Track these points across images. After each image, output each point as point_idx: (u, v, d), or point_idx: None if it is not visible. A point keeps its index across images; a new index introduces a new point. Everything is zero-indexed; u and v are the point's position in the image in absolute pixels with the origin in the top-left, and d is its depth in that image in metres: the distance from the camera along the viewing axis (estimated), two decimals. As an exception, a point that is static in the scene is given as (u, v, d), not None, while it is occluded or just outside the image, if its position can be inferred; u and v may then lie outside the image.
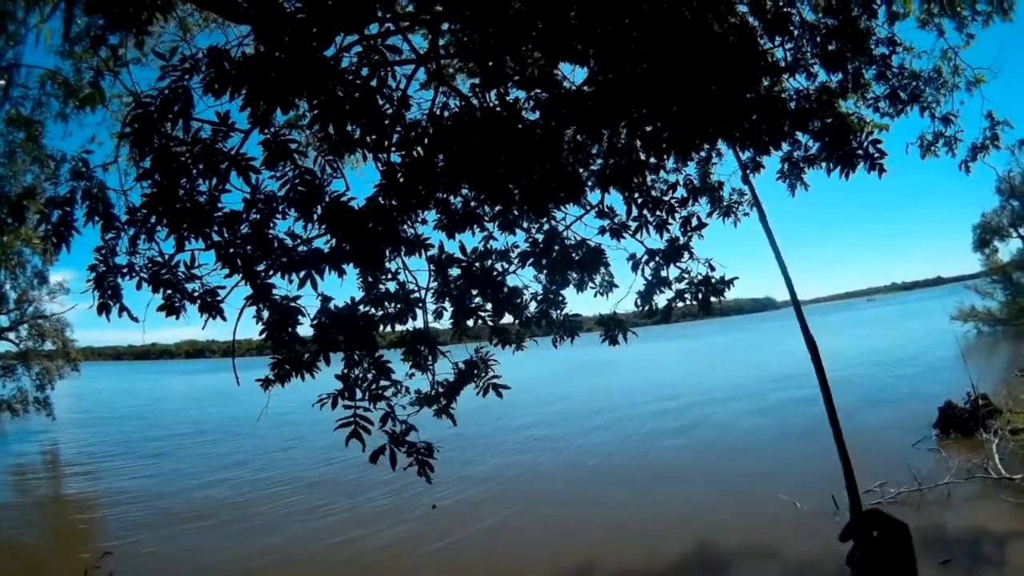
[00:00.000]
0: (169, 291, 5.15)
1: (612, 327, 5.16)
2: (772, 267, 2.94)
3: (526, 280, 5.02)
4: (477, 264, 4.59)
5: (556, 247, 4.79)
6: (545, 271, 4.89)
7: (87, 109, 7.42)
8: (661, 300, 5.22)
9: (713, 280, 5.21)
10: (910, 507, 9.82)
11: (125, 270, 5.35)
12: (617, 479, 14.12)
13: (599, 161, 4.97)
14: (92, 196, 5.65)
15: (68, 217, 5.58)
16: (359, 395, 4.23)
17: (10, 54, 7.96)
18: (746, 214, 6.27)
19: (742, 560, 8.96)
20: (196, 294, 5.09)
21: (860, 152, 5.96)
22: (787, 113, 5.65)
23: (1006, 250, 31.65)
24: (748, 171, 5.68)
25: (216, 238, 4.83)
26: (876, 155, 5.87)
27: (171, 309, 5.11)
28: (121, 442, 23.22)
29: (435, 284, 4.79)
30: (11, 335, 25.51)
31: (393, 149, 4.30)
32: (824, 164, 6.03)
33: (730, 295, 5.50)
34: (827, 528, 9.44)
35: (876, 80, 7.34)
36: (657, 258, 5.10)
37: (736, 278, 5.24)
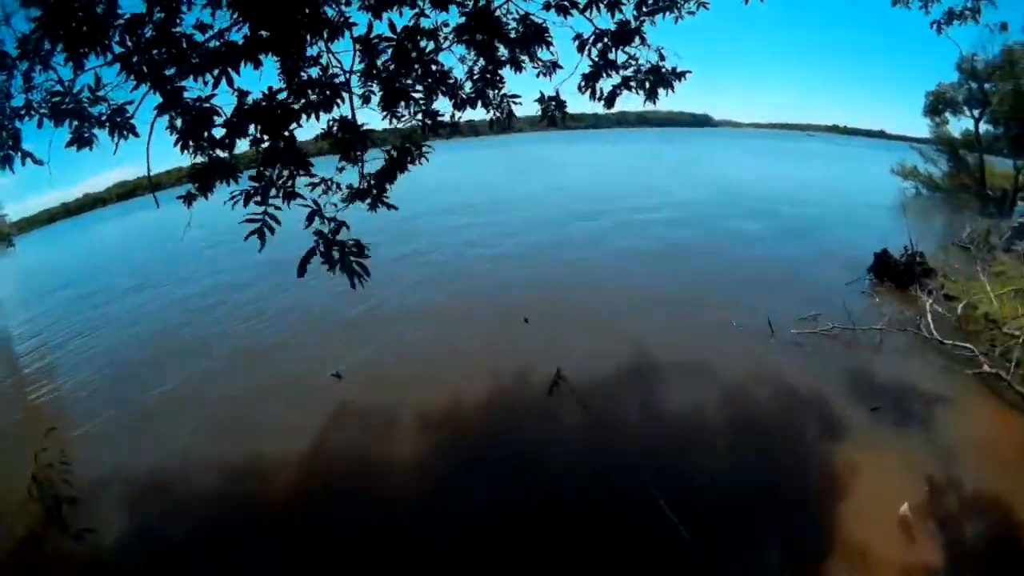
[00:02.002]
0: (76, 122, 4.78)
1: (552, 107, 4.96)
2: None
3: (459, 61, 4.73)
4: (408, 43, 4.28)
5: (493, 20, 4.46)
6: (479, 47, 4.60)
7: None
8: (606, 86, 5.04)
9: (663, 70, 5.01)
10: (842, 344, 10.22)
11: (23, 110, 4.94)
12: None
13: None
14: (-26, 39, 5.09)
15: None
16: (273, 193, 4.03)
17: None
18: (691, 12, 5.97)
19: (680, 375, 9.27)
20: (103, 117, 4.75)
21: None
22: None
23: (957, 125, 32.04)
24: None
25: (118, 49, 4.43)
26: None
27: (81, 140, 4.80)
28: (58, 311, 22.37)
29: (361, 67, 4.49)
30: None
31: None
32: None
33: (665, 105, 5.31)
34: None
35: None
36: (606, 39, 4.84)
37: (689, 72, 5.04)
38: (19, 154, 5.09)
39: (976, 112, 30.15)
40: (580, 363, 9.50)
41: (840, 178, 41.11)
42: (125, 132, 4.78)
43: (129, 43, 4.48)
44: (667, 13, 5.58)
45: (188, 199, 4.62)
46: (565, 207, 26.19)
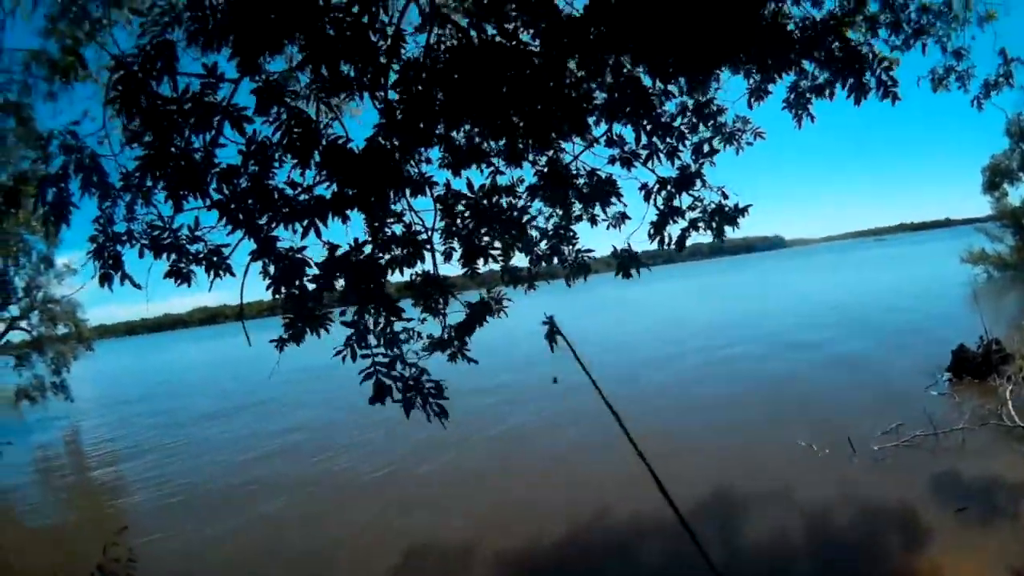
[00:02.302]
0: (173, 255, 5.09)
1: (626, 260, 5.05)
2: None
3: (535, 216, 4.90)
4: (485, 200, 4.48)
5: (564, 177, 4.66)
6: (553, 203, 4.78)
7: (75, 85, 7.27)
8: (675, 230, 5.13)
9: (727, 208, 5.10)
10: (925, 451, 9.83)
11: (124, 238, 5.29)
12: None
13: (603, 95, 4.81)
14: (85, 167, 5.55)
15: (63, 193, 5.49)
16: (373, 341, 4.17)
17: None
18: (749, 143, 6.10)
19: (759, 503, 8.95)
20: (201, 255, 5.05)
21: (872, 80, 5.80)
22: (793, 39, 5.47)
23: (1016, 194, 31.19)
24: (753, 98, 5.51)
25: (215, 195, 4.77)
26: (888, 82, 5.72)
27: (178, 274, 5.06)
28: (136, 422, 23.51)
29: (442, 224, 4.69)
30: (23, 323, 25.71)
31: (391, 87, 4.17)
32: (832, 91, 5.87)
33: (738, 233, 5.40)
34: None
35: (880, 11, 7.17)
36: (669, 186, 4.98)
37: (751, 205, 5.13)
38: (119, 275, 5.41)
39: None
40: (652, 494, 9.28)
41: (910, 278, 40.55)
42: (221, 272, 5.05)
43: (226, 190, 4.80)
44: (726, 146, 5.75)
45: (280, 344, 4.80)
46: (634, 348, 26.12)
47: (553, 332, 5.35)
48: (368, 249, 4.34)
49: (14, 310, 25.02)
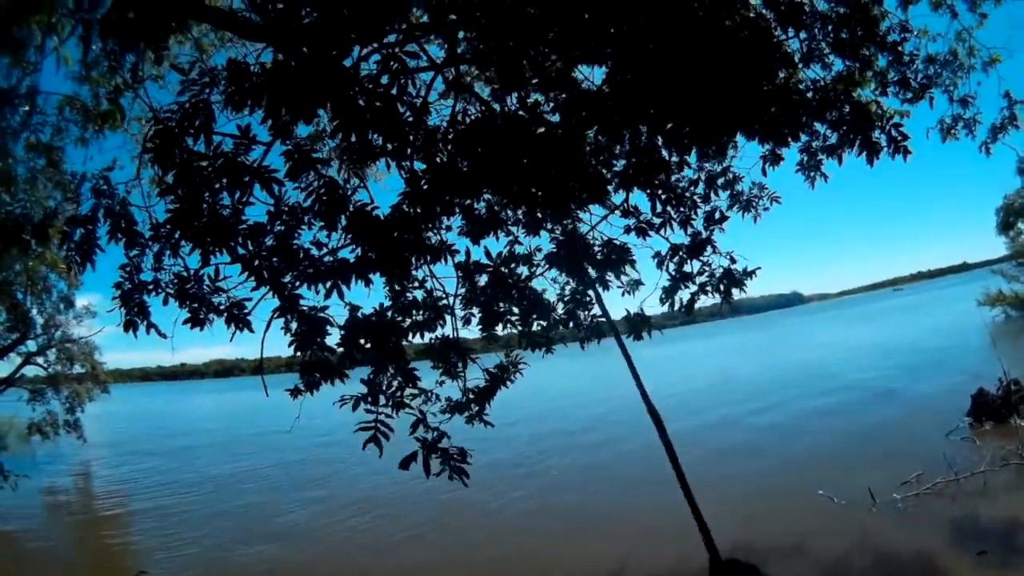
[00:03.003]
0: (195, 305, 5.22)
1: (638, 323, 5.14)
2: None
3: (553, 283, 5.03)
4: (504, 268, 4.60)
5: (580, 246, 4.79)
6: (569, 270, 4.90)
7: (106, 133, 7.53)
8: (685, 295, 5.21)
9: (735, 272, 5.20)
10: (946, 498, 9.70)
11: (151, 286, 5.42)
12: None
13: (622, 161, 4.96)
14: (114, 214, 5.71)
15: (91, 235, 5.64)
16: (383, 401, 4.24)
17: (28, 81, 8.10)
18: (766, 208, 6.22)
19: (781, 558, 8.82)
20: (223, 307, 5.16)
21: (883, 137, 5.92)
22: (804, 103, 5.62)
23: (1031, 233, 31.04)
24: (767, 164, 5.64)
25: (241, 251, 4.91)
26: (899, 138, 5.85)
27: (197, 321, 5.16)
28: (151, 464, 23.54)
29: (463, 290, 4.81)
30: (40, 359, 25.93)
31: (416, 156, 4.34)
32: (844, 153, 6.01)
33: (754, 292, 5.50)
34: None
35: (889, 66, 7.33)
36: (681, 252, 5.09)
37: (759, 268, 5.24)
38: (144, 323, 5.52)
39: None
40: (670, 550, 9.31)
41: (925, 327, 40.12)
42: (242, 325, 5.16)
43: (251, 247, 4.94)
44: (745, 215, 5.88)
45: (295, 393, 4.89)
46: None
47: None
48: (389, 313, 4.44)
49: (32, 345, 25.31)
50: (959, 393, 14.76)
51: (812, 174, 6.30)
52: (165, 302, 5.41)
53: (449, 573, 9.96)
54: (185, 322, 5.24)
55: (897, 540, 8.57)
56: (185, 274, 5.36)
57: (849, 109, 6.09)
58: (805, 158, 6.28)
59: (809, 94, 6.14)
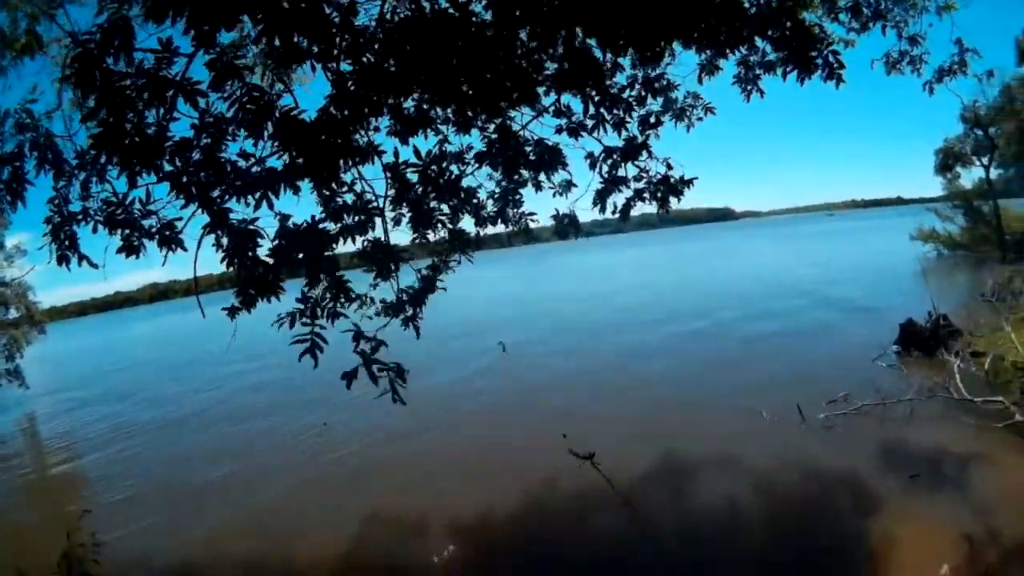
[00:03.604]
0: (127, 231, 5.05)
1: (565, 225, 5.17)
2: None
3: (483, 182, 4.99)
4: (433, 167, 4.53)
5: (512, 146, 4.73)
6: (501, 169, 4.86)
7: (25, 59, 7.04)
8: (619, 199, 5.25)
9: (672, 179, 5.24)
10: (874, 420, 10.14)
11: (80, 216, 5.26)
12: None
13: (553, 65, 4.86)
14: (40, 146, 5.47)
15: (19, 172, 5.41)
16: (319, 315, 4.23)
17: None
18: (700, 119, 6.23)
19: (710, 470, 9.21)
20: (154, 230, 5.01)
21: (819, 60, 5.95)
22: (745, 16, 5.57)
23: (968, 177, 32.31)
24: (704, 73, 5.62)
25: (168, 168, 4.72)
26: (835, 64, 5.89)
27: (130, 248, 5.03)
28: (91, 402, 23.05)
29: (392, 192, 4.73)
30: (-27, 308, 24.78)
31: (343, 58, 4.16)
32: (781, 70, 6.02)
33: (688, 204, 5.55)
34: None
35: (840, -9, 7.30)
36: (615, 155, 5.08)
37: (696, 178, 5.28)
38: (76, 255, 5.34)
39: (985, 159, 30.39)
40: (612, 460, 9.56)
41: (859, 253, 41.49)
42: (174, 246, 5.02)
43: (178, 164, 4.75)
44: (677, 123, 5.86)
45: (232, 312, 4.80)
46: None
47: None
48: (321, 225, 4.35)
49: (-36, 294, 24.10)
50: (888, 322, 15.23)
51: (748, 88, 6.30)
52: (95, 230, 5.24)
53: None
54: (119, 251, 5.09)
55: (826, 458, 8.97)
56: (114, 199, 5.17)
57: (791, 27, 6.07)
58: (742, 71, 6.27)
59: (753, 9, 6.09)
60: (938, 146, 32.08)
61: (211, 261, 4.95)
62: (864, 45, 7.82)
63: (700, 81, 5.82)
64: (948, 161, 32.14)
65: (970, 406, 9.82)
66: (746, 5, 6.08)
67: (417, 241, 4.79)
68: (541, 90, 4.68)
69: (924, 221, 33.37)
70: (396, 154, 4.45)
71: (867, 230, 69.18)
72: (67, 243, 5.24)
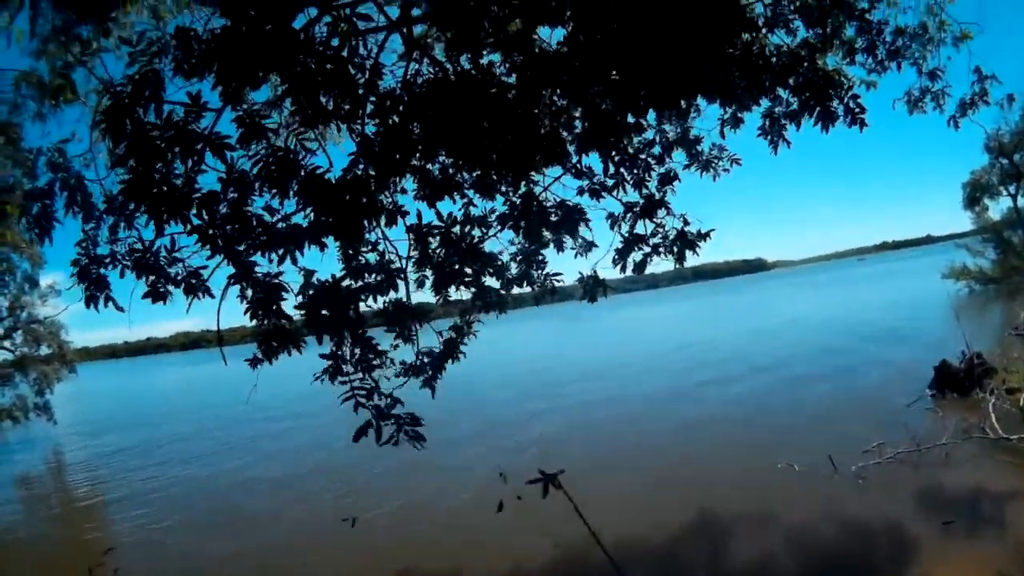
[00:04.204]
0: (152, 276, 5.16)
1: (592, 286, 5.15)
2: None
3: (506, 246, 5.01)
4: (456, 230, 4.57)
5: (535, 208, 4.76)
6: (524, 232, 4.88)
7: (63, 106, 7.34)
8: (638, 256, 5.22)
9: (688, 234, 5.22)
10: (908, 467, 9.85)
11: (108, 260, 5.38)
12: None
13: (578, 123, 4.91)
14: (70, 187, 5.62)
15: (48, 208, 5.57)
16: (350, 369, 4.24)
17: None
18: (726, 170, 6.21)
19: (742, 527, 8.92)
20: (179, 277, 5.12)
21: (840, 108, 5.94)
22: (767, 68, 5.60)
23: (996, 208, 31.75)
24: (727, 127, 5.63)
25: (195, 220, 4.83)
26: (856, 109, 5.86)
27: (156, 294, 5.13)
28: (121, 444, 23.34)
29: (415, 253, 4.77)
30: (6, 343, 25.47)
31: (368, 119, 4.25)
32: (803, 119, 6.00)
33: (719, 256, 5.58)
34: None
35: (857, 35, 7.32)
36: (635, 210, 5.08)
37: (712, 230, 5.25)
38: (103, 297, 5.45)
39: (1012, 188, 29.77)
40: (640, 522, 9.30)
41: (890, 297, 40.74)
42: (200, 293, 5.10)
43: (205, 216, 4.86)
44: (703, 173, 5.86)
45: (254, 362, 4.85)
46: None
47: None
48: (345, 282, 4.40)
49: (-2, 329, 24.82)
50: (922, 364, 14.93)
51: (775, 139, 6.29)
52: (122, 275, 5.36)
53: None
54: (145, 296, 5.20)
55: (859, 509, 8.66)
56: (140, 245, 5.30)
57: (812, 75, 6.08)
58: (767, 123, 6.27)
59: (773, 59, 6.11)
60: (964, 180, 31.61)
61: (239, 314, 5.04)
62: (886, 85, 7.79)
63: (722, 135, 5.84)
64: (976, 194, 31.66)
65: (1007, 444, 9.60)
66: (767, 54, 6.14)
67: (440, 301, 4.82)
68: (569, 150, 4.73)
69: (954, 258, 32.73)
70: (419, 216, 4.52)
71: (898, 273, 68.68)
72: (95, 285, 5.36)
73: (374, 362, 4.42)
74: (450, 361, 5.06)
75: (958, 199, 32.12)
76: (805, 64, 6.25)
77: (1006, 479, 8.68)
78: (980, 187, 31.25)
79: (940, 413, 12.28)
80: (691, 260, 5.29)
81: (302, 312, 4.23)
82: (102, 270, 5.44)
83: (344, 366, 4.26)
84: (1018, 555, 6.68)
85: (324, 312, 4.12)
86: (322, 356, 4.28)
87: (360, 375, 4.38)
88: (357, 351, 4.33)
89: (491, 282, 5.15)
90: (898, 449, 10.31)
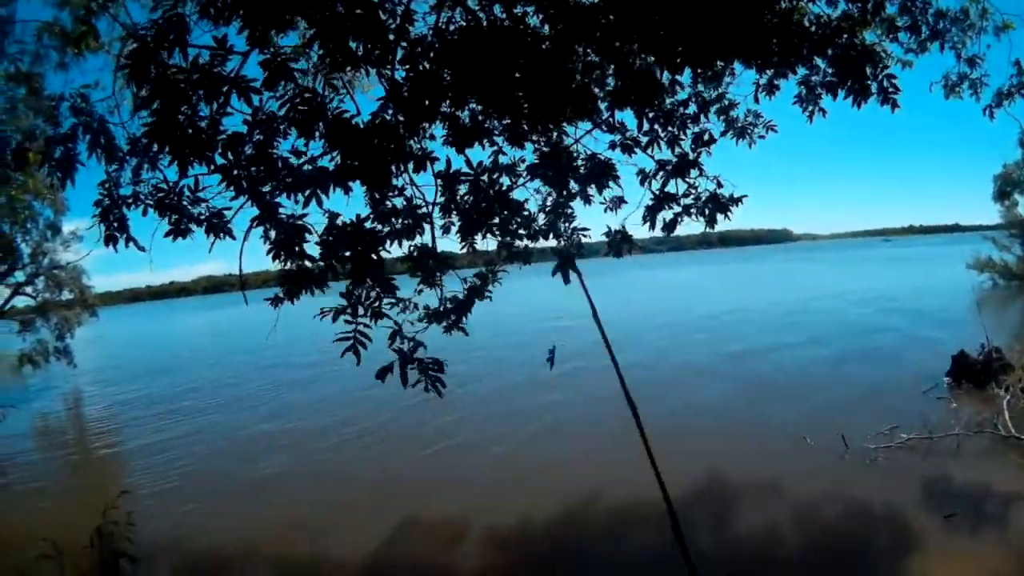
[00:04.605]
0: (175, 216, 5.17)
1: (619, 242, 5.12)
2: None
3: (533, 194, 4.96)
4: (484, 178, 4.54)
5: (564, 159, 4.70)
6: (552, 183, 4.84)
7: (87, 55, 7.33)
8: (668, 215, 5.17)
9: (721, 197, 5.15)
10: (918, 453, 9.87)
11: (130, 200, 5.39)
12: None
13: (611, 79, 4.82)
14: (93, 130, 5.62)
15: (71, 152, 5.58)
16: (361, 312, 4.26)
17: (3, 11, 7.86)
18: (762, 136, 6.09)
19: (749, 495, 9.06)
20: (202, 217, 5.12)
21: (874, 85, 5.79)
22: (805, 35, 5.45)
23: (1025, 204, 31.04)
24: (764, 93, 5.51)
25: (220, 161, 4.82)
26: (890, 89, 5.72)
27: (178, 231, 5.13)
28: (139, 388, 23.88)
29: (442, 199, 4.76)
30: (28, 289, 25.93)
31: (398, 65, 4.21)
32: (839, 92, 5.86)
33: (747, 224, 5.50)
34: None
35: (899, 13, 7.12)
36: (667, 168, 5.02)
37: (745, 196, 5.18)
38: (124, 237, 5.49)
39: None
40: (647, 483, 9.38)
41: (915, 281, 40.18)
42: (222, 234, 5.12)
43: (230, 157, 4.85)
44: (739, 141, 5.75)
45: (275, 302, 4.89)
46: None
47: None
48: (368, 223, 4.39)
49: (20, 276, 25.24)
50: (940, 352, 14.86)
51: (810, 108, 6.14)
52: (144, 213, 5.37)
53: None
54: (167, 234, 5.21)
55: (867, 491, 8.71)
56: (164, 186, 5.31)
57: (851, 48, 5.91)
58: (804, 91, 6.12)
59: (812, 28, 5.94)
60: (996, 172, 30.86)
61: (263, 258, 5.06)
62: (922, 67, 7.60)
63: (756, 100, 5.70)
64: (1006, 188, 30.95)
65: (1017, 442, 9.56)
66: (806, 24, 5.97)
67: (465, 250, 4.81)
68: (600, 106, 4.65)
69: (981, 249, 32.16)
70: (448, 163, 4.49)
71: (923, 258, 67.91)
72: (116, 225, 5.35)
73: (393, 305, 4.43)
74: (474, 302, 5.05)
75: (989, 190, 31.44)
76: (844, 36, 6.08)
77: (1013, 478, 8.64)
78: (1011, 181, 30.54)
79: (955, 404, 12.20)
80: (720, 224, 5.24)
81: (324, 248, 4.23)
82: (124, 210, 5.44)
83: (359, 307, 4.27)
84: (1016, 557, 6.68)
85: (344, 252, 4.13)
86: (342, 294, 4.28)
87: (368, 319, 4.38)
88: (374, 293, 4.34)
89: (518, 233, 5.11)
90: (910, 435, 10.32)
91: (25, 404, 21.72)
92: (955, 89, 8.11)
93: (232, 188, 4.80)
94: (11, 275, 24.74)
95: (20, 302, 26.11)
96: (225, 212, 5.10)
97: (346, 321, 4.23)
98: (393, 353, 4.26)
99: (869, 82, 5.79)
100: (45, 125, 8.03)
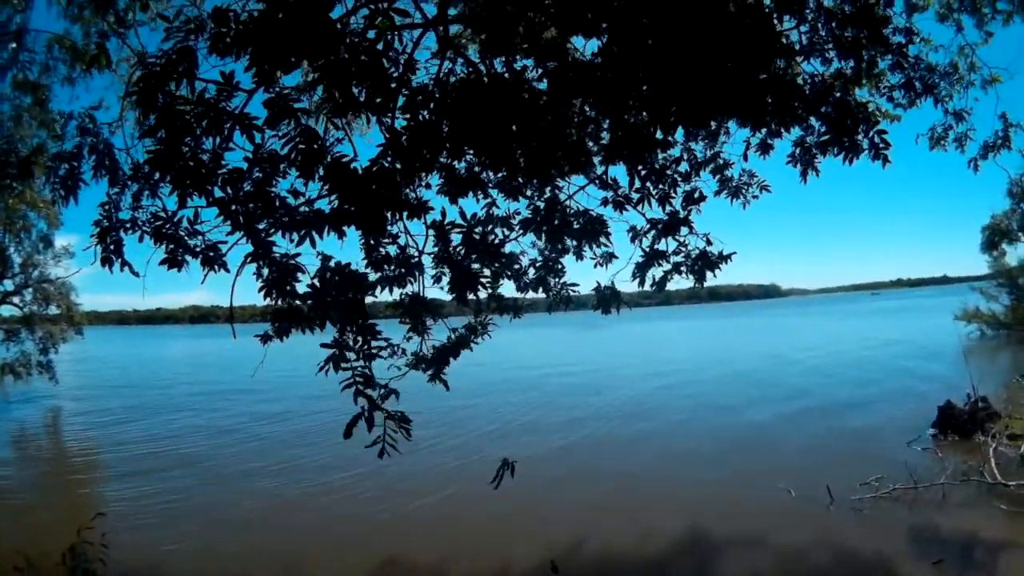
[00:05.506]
0: (171, 245, 5.18)
1: (608, 298, 5.16)
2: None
3: (527, 249, 5.01)
4: (478, 230, 4.58)
5: (558, 215, 4.76)
6: (545, 238, 4.89)
7: (94, 73, 7.42)
8: (658, 273, 5.23)
9: (710, 254, 5.21)
10: (904, 504, 9.86)
11: (128, 224, 5.41)
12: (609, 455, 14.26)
13: (606, 134, 4.91)
14: (98, 151, 5.67)
15: (75, 170, 5.62)
16: (353, 357, 4.24)
17: (17, 19, 7.97)
18: (755, 196, 6.20)
19: (734, 547, 8.95)
20: (198, 249, 5.14)
21: (865, 140, 5.92)
22: (799, 96, 5.58)
23: (1014, 254, 31.53)
24: (756, 152, 5.63)
25: (219, 195, 4.86)
26: (881, 145, 5.85)
27: (173, 262, 5.13)
28: (119, 406, 23.54)
29: (435, 249, 4.79)
30: (15, 299, 25.72)
31: (398, 113, 4.28)
32: (830, 149, 5.99)
33: (736, 280, 5.60)
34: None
35: (891, 70, 7.29)
36: (658, 226, 5.08)
37: (734, 253, 5.26)
38: (119, 260, 5.49)
39: None
40: (630, 537, 9.36)
41: (902, 333, 40.75)
42: (216, 267, 5.14)
43: (229, 192, 4.89)
44: (733, 201, 5.85)
45: (264, 339, 4.88)
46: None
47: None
48: (360, 268, 4.41)
49: (8, 284, 25.08)
50: (927, 403, 14.97)
51: (804, 168, 6.26)
52: (141, 239, 5.38)
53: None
54: (162, 263, 5.21)
55: (852, 541, 8.68)
56: (163, 214, 5.33)
57: (844, 106, 6.06)
58: (798, 151, 6.24)
59: (806, 87, 6.09)
60: (984, 223, 31.38)
61: (252, 293, 5.05)
62: (909, 119, 7.78)
63: (746, 158, 5.83)
64: (995, 238, 31.41)
65: (1004, 489, 9.63)
66: (799, 83, 6.11)
67: (455, 301, 4.82)
68: (594, 160, 4.73)
69: (969, 300, 32.55)
70: (443, 213, 4.53)
71: (911, 310, 68.93)
72: (112, 247, 5.35)
73: (379, 351, 4.42)
74: (460, 352, 5.05)
75: (977, 240, 31.92)
76: (837, 94, 6.23)
77: (1000, 525, 8.70)
78: (999, 231, 31.02)
79: (940, 454, 12.27)
80: (708, 280, 5.29)
81: (314, 293, 4.23)
82: (122, 234, 5.46)
83: (348, 353, 4.26)
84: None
85: (335, 296, 4.13)
86: (323, 346, 4.27)
87: (362, 363, 4.37)
88: (360, 339, 4.33)
89: (508, 285, 5.16)
90: (895, 485, 10.30)
91: (4, 414, 21.38)
92: (940, 142, 8.30)
93: (229, 223, 4.82)
94: (0, 283, 24.59)
95: (6, 311, 25.91)
96: (220, 245, 5.12)
97: (343, 368, 4.21)
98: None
99: (860, 139, 5.91)
100: (50, 140, 8.12)
